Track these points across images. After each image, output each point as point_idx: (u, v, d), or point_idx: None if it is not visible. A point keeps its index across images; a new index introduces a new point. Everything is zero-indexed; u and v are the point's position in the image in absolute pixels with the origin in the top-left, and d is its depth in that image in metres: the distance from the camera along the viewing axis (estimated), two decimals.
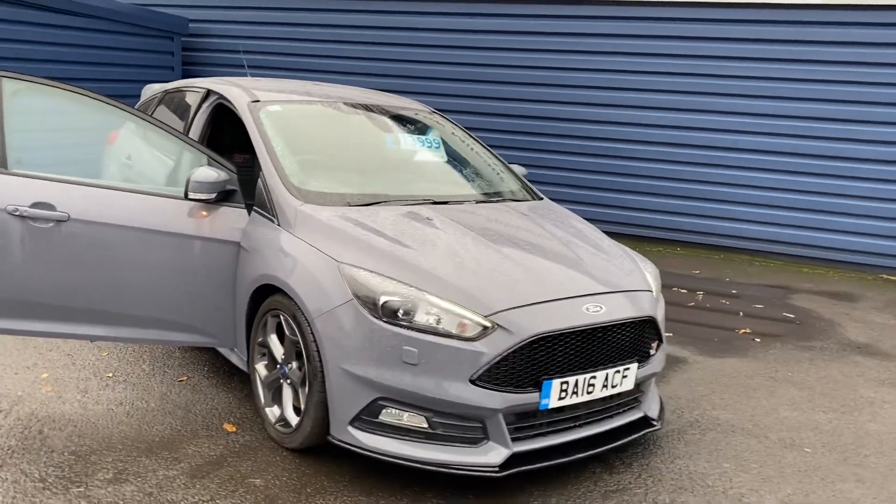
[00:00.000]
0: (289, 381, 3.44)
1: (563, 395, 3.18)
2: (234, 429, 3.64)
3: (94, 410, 3.75)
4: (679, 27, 8.38)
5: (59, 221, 3.57)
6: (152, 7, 10.01)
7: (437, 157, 4.62)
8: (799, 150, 8.11)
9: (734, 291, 6.89)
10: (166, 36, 9.89)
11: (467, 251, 3.41)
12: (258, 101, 4.24)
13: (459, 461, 3.08)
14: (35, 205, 3.54)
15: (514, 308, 3.11)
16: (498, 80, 9.16)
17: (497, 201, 4.21)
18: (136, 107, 5.54)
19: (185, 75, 10.26)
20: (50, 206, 3.56)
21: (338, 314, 3.14)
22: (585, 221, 4.26)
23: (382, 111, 4.69)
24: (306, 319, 3.23)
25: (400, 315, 3.05)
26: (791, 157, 8.16)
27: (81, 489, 3.04)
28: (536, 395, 3.10)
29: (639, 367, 3.43)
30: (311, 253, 3.35)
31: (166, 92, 5.19)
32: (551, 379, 3.12)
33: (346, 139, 4.41)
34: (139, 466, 3.24)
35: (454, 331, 3.03)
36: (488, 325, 3.04)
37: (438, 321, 3.04)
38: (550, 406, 3.15)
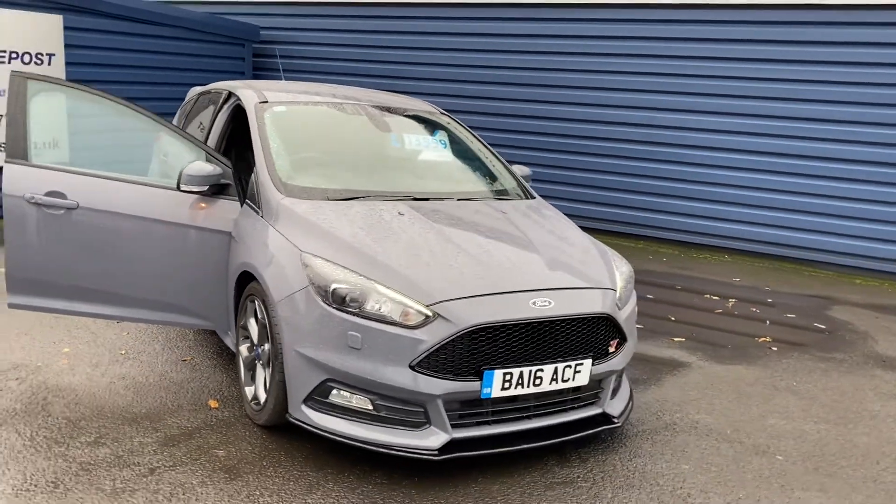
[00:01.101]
0: (261, 361, 3.68)
1: (507, 385, 3.27)
2: (217, 405, 3.92)
3: (98, 383, 4.11)
4: (695, 29, 8.21)
5: (69, 209, 3.95)
6: (226, 16, 10.61)
7: (438, 157, 4.79)
8: (857, 157, 7.77)
9: (769, 300, 6.70)
10: (238, 43, 10.45)
11: (426, 244, 3.56)
12: (266, 101, 4.52)
13: (401, 443, 3.22)
14: (49, 193, 3.94)
15: (457, 299, 3.24)
16: (511, 83, 9.27)
17: (480, 199, 4.32)
18: (180, 107, 5.98)
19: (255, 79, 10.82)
20: (61, 195, 3.94)
21: (295, 299, 3.35)
22: (568, 221, 4.31)
23: (391, 112, 4.89)
24: (271, 304, 3.46)
25: (348, 301, 3.23)
26: (846, 165, 7.83)
27: (62, 449, 3.37)
28: (477, 383, 3.21)
29: (594, 364, 3.48)
30: (282, 243, 3.58)
31: (200, 94, 5.57)
32: (493, 369, 3.22)
33: (345, 138, 4.63)
34: (119, 433, 3.55)
35: (398, 318, 3.19)
36: (429, 314, 3.18)
37: (383, 309, 3.20)
38: (493, 396, 3.25)
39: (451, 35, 9.71)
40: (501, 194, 4.51)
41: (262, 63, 10.93)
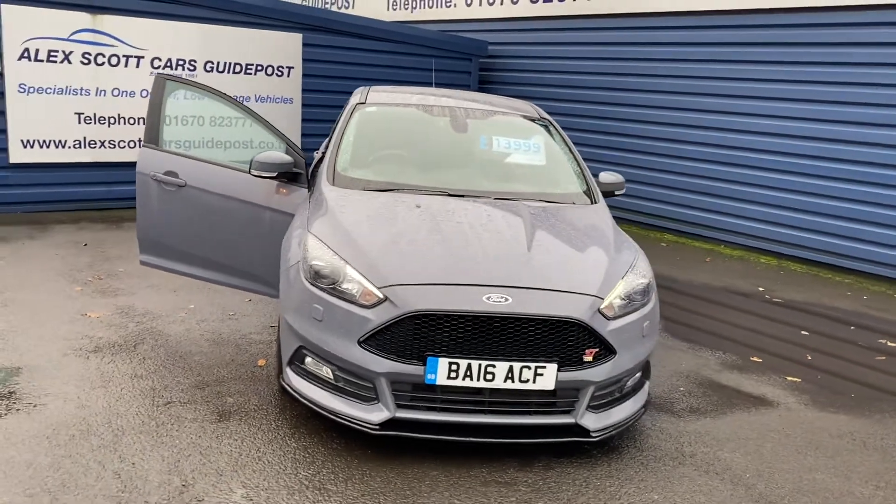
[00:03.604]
0: None
1: (454, 375, 3.31)
2: (264, 363, 4.45)
3: (192, 334, 4.88)
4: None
5: (179, 186, 4.77)
6: (456, 32, 11.37)
7: (510, 157, 4.85)
8: None
9: None
10: (465, 57, 11.14)
11: (415, 234, 3.72)
12: (363, 103, 4.99)
13: (350, 413, 3.44)
14: (167, 173, 4.79)
15: (407, 285, 3.37)
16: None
17: (521, 199, 4.30)
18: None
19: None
20: (175, 175, 4.78)
21: (290, 271, 3.74)
22: (608, 229, 4.12)
23: (480, 114, 5.07)
24: (281, 273, 3.89)
25: (321, 277, 3.53)
26: None
27: (116, 376, 4.13)
28: (421, 368, 3.31)
29: (562, 370, 3.36)
30: (302, 223, 3.99)
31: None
32: (437, 356, 3.30)
33: (418, 136, 4.91)
34: (168, 372, 4.23)
35: (357, 298, 3.41)
36: (381, 296, 3.36)
37: (347, 287, 3.45)
38: (438, 383, 3.32)
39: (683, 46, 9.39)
40: (555, 197, 4.45)
41: (487, 77, 11.51)
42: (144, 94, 8.49)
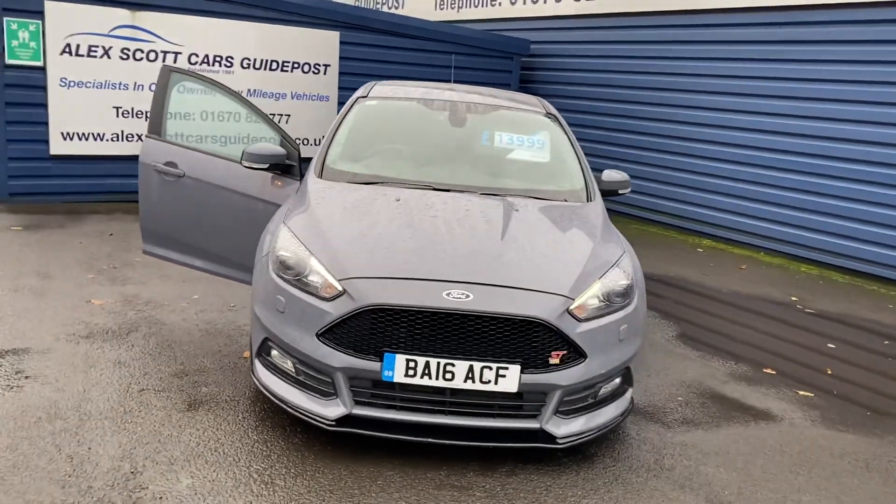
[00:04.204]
0: None
1: (412, 373, 3.21)
2: (248, 355, 4.43)
3: (189, 324, 4.90)
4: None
5: (178, 177, 4.80)
6: (498, 31, 11.24)
7: (508, 153, 4.72)
8: None
9: None
10: (506, 56, 10.98)
11: (386, 228, 3.63)
12: (365, 97, 4.94)
13: (306, 407, 3.37)
14: (166, 163, 4.83)
15: (365, 278, 3.28)
16: None
17: (509, 195, 4.16)
18: None
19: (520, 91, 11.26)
20: (174, 165, 4.81)
21: (262, 262, 3.70)
22: (597, 227, 3.94)
23: (486, 110, 4.96)
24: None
25: (286, 268, 3.48)
26: None
27: (101, 360, 4.17)
28: (378, 364, 3.21)
29: (526, 372, 3.22)
30: (281, 215, 3.96)
31: None
32: (394, 353, 3.20)
33: (413, 130, 4.81)
34: (154, 361, 4.25)
35: (319, 290, 3.34)
36: (340, 289, 3.28)
37: (310, 279, 3.39)
38: (396, 380, 3.22)
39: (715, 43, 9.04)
40: (547, 193, 4.29)
41: (528, 76, 11.34)
42: (181, 89, 8.67)
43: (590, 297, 3.41)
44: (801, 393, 4.57)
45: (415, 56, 10.23)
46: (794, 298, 6.69)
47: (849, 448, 3.88)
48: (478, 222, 3.78)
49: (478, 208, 3.93)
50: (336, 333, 3.27)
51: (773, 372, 4.88)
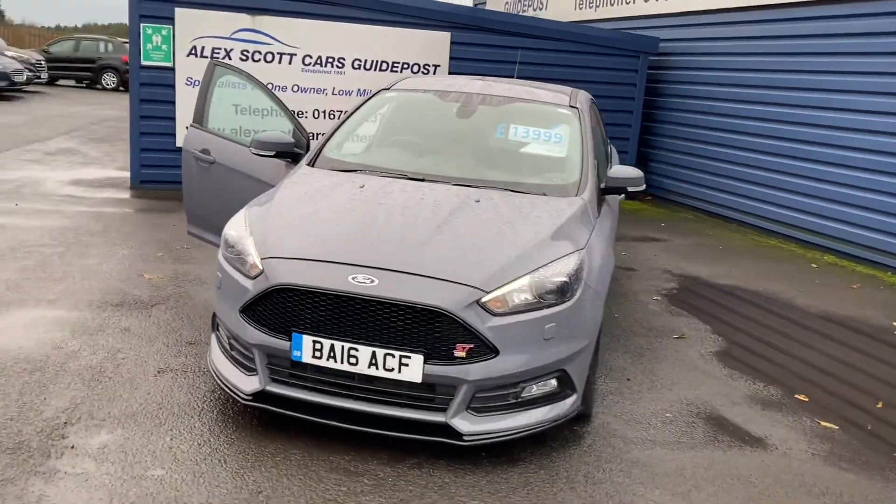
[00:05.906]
0: None
1: (318, 354, 3.22)
2: None
3: (211, 301, 5.21)
4: None
5: (210, 163, 5.14)
6: (627, 30, 10.78)
7: (512, 146, 4.57)
8: None
9: None
10: (633, 55, 10.51)
11: (328, 213, 3.67)
12: (388, 88, 5.01)
13: (229, 380, 3.48)
14: (202, 150, 5.18)
15: (280, 258, 3.33)
16: None
17: (484, 187, 4.02)
18: None
19: (647, 92, 10.74)
20: (207, 152, 5.15)
21: (223, 242, 3.87)
22: (568, 224, 3.71)
23: (501, 102, 4.84)
24: None
25: (228, 247, 3.62)
26: None
27: (106, 325, 4.56)
28: (287, 343, 3.26)
29: (430, 363, 3.12)
30: (257, 197, 4.12)
31: None
32: (301, 333, 3.23)
33: (421, 123, 4.78)
34: (161, 328, 4.58)
35: (248, 268, 3.45)
36: (261, 268, 3.36)
37: (246, 257, 3.50)
38: (304, 361, 3.25)
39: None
40: (526, 187, 4.10)
41: (655, 76, 10.78)
42: (296, 88, 9.23)
43: (514, 292, 3.24)
44: (824, 424, 4.00)
45: (531, 55, 10.08)
46: (895, 324, 5.85)
47: (836, 488, 3.35)
48: (422, 212, 3.70)
49: (433, 198, 3.85)
50: (254, 311, 3.35)
51: (805, 399, 4.31)
